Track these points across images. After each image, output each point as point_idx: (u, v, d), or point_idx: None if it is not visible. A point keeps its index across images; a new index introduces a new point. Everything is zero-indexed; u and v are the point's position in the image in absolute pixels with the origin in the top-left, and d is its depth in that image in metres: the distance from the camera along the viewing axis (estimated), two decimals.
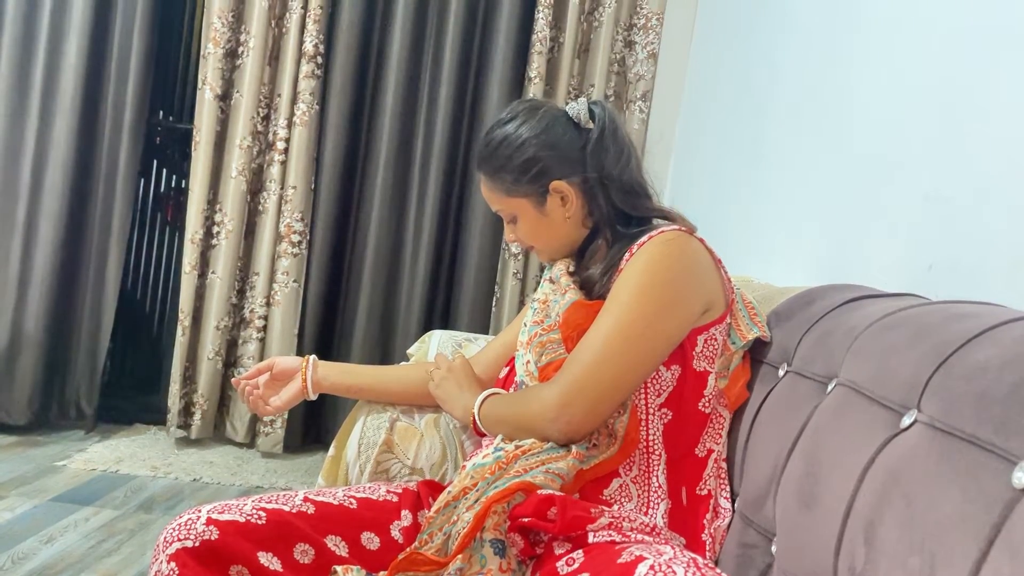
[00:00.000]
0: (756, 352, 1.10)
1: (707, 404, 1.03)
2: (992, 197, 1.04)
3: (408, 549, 0.90)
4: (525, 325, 1.14)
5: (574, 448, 0.97)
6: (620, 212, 1.11)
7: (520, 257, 2.73)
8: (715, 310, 1.04)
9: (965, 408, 0.64)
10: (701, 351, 1.02)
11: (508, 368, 1.21)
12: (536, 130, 1.09)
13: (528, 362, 1.09)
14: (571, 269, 1.13)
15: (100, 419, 2.77)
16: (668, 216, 1.11)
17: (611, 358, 0.97)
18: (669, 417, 1.01)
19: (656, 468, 1.00)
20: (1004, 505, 0.56)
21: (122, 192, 2.71)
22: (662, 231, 1.03)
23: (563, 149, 1.09)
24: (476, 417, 1.09)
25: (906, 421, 0.71)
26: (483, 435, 1.11)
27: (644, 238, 1.03)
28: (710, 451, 1.04)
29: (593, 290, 1.07)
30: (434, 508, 0.95)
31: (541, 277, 1.22)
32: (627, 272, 1.01)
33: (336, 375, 1.29)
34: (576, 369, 0.98)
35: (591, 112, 1.12)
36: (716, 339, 1.03)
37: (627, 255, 1.03)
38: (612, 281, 1.03)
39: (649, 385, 1.01)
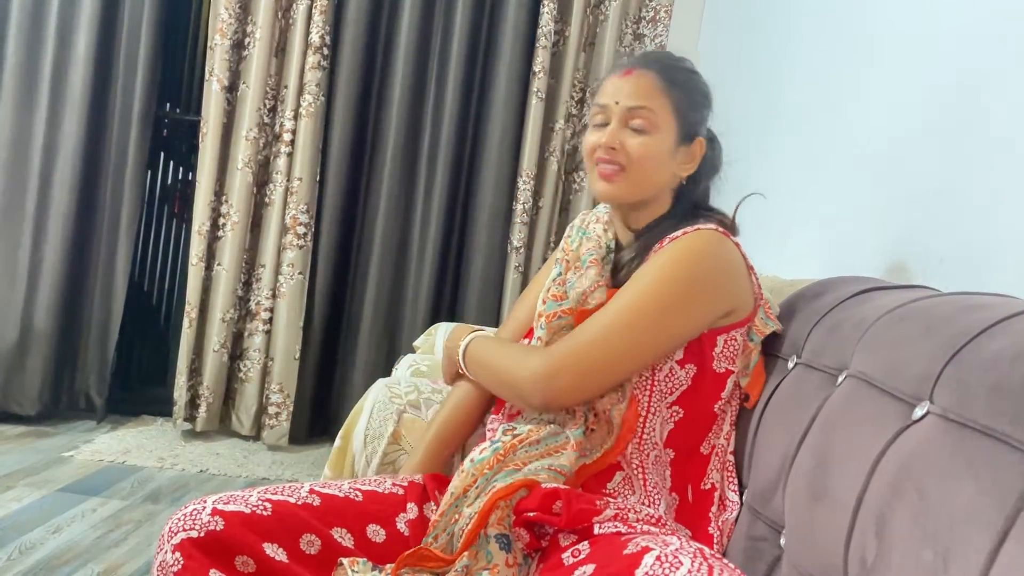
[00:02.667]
0: (766, 344, 1.09)
1: (722, 405, 1.03)
2: (1003, 191, 1.03)
3: (413, 549, 0.90)
4: (547, 290, 1.11)
5: (572, 439, 0.97)
6: (692, 200, 1.11)
7: (522, 251, 2.72)
8: (739, 314, 1.02)
9: (978, 399, 0.63)
10: (721, 351, 1.01)
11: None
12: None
13: (540, 338, 1.08)
14: (608, 231, 1.11)
15: (108, 411, 2.78)
16: (721, 220, 1.09)
17: (607, 341, 0.96)
18: (680, 415, 1.01)
19: (661, 464, 0.99)
20: (1018, 497, 0.55)
21: (131, 184, 2.72)
22: (698, 228, 1.02)
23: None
24: (463, 349, 1.12)
25: (918, 413, 0.70)
26: (463, 377, 1.14)
27: (679, 232, 1.02)
28: (713, 447, 1.04)
29: (619, 273, 1.06)
30: (438, 512, 0.95)
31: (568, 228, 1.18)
32: (652, 262, 1.00)
33: (430, 461, 1.15)
34: (571, 344, 0.98)
35: None
36: (736, 340, 1.03)
37: (657, 245, 1.03)
38: (637, 268, 1.02)
39: (659, 382, 1.00)
